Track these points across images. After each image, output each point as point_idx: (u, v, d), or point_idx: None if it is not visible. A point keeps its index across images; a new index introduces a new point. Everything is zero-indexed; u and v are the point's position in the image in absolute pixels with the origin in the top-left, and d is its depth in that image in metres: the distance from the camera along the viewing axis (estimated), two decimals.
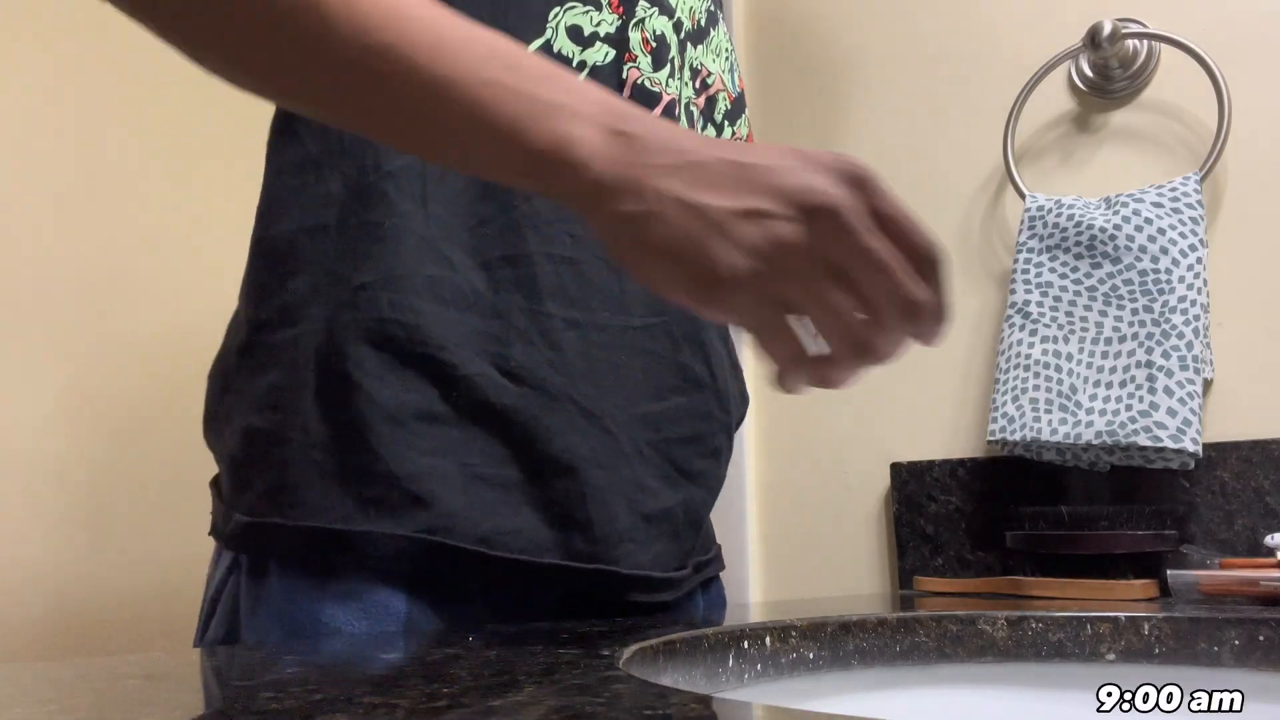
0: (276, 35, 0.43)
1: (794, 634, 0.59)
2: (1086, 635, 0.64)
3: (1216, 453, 0.91)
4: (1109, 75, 1.03)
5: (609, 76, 0.63)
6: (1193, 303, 0.90)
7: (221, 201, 1.20)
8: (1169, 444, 0.87)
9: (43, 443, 1.03)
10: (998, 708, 0.64)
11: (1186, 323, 0.89)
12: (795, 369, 0.47)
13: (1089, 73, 1.05)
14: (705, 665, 0.54)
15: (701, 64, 0.71)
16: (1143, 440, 0.88)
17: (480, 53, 0.44)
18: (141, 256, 1.16)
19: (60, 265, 1.08)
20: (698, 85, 0.71)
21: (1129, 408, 0.90)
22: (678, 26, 0.69)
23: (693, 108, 0.70)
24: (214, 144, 1.24)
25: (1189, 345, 0.89)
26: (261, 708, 0.30)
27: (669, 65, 0.67)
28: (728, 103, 0.75)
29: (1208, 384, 0.94)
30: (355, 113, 0.46)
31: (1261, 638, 0.61)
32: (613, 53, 0.63)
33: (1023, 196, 1.03)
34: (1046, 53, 1.05)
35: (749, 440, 1.24)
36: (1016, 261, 1.01)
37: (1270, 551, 0.78)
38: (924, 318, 0.44)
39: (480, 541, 0.57)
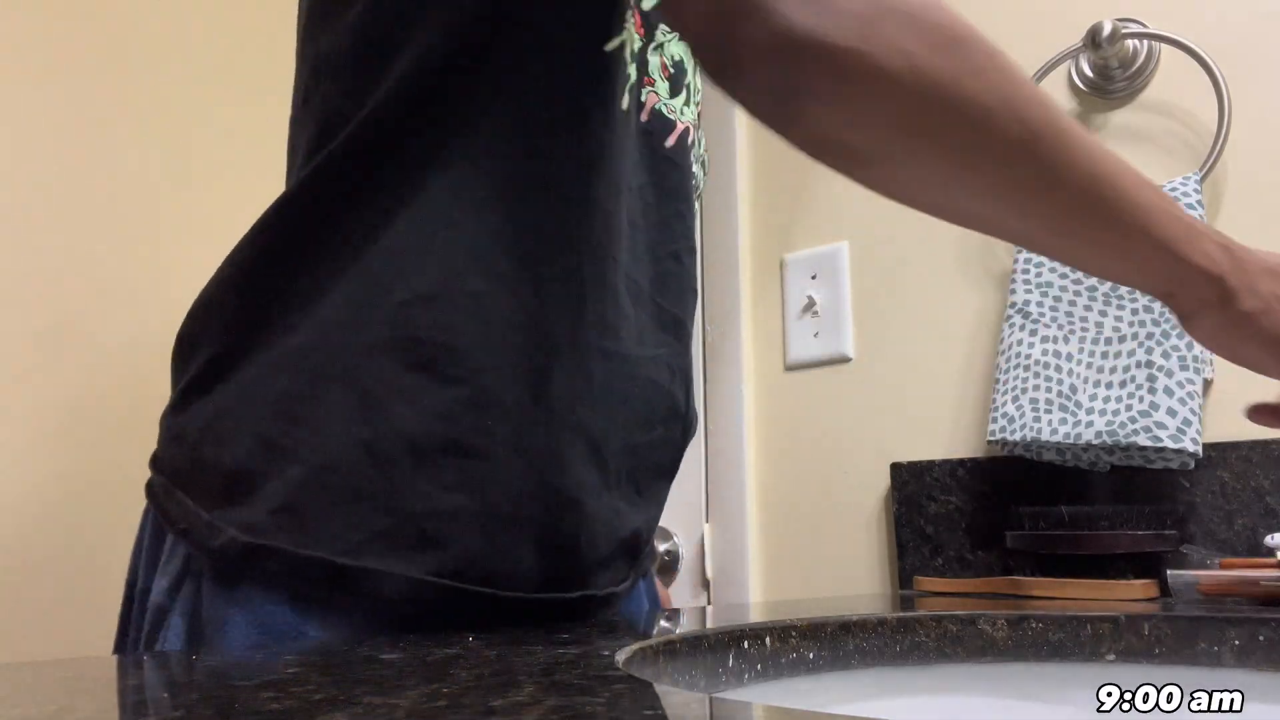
0: (1024, 167, 0.49)
1: (794, 634, 0.59)
2: (1086, 635, 0.64)
3: (1216, 453, 0.91)
4: (1109, 75, 1.03)
5: (634, 100, 0.63)
6: None
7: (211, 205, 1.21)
8: (1169, 444, 0.87)
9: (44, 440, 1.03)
10: (998, 708, 0.64)
11: None
12: None
13: (1089, 73, 1.05)
14: (705, 665, 0.54)
15: (699, 88, 0.72)
16: (1143, 440, 0.88)
17: (1132, 180, 0.52)
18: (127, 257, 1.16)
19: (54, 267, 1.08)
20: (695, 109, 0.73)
21: (1129, 408, 0.90)
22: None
23: (700, 134, 0.72)
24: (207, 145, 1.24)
25: (1189, 345, 0.89)
26: (261, 708, 0.30)
27: (685, 92, 0.67)
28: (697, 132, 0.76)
29: (1208, 384, 0.94)
30: (1056, 234, 0.54)
31: (1261, 638, 0.61)
32: (635, 74, 0.62)
33: None
34: (1046, 53, 1.04)
35: (749, 440, 1.24)
36: (1016, 261, 1.01)
37: (1270, 551, 0.78)
38: None
39: (485, 582, 0.55)
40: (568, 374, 0.57)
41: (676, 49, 0.67)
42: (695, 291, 0.71)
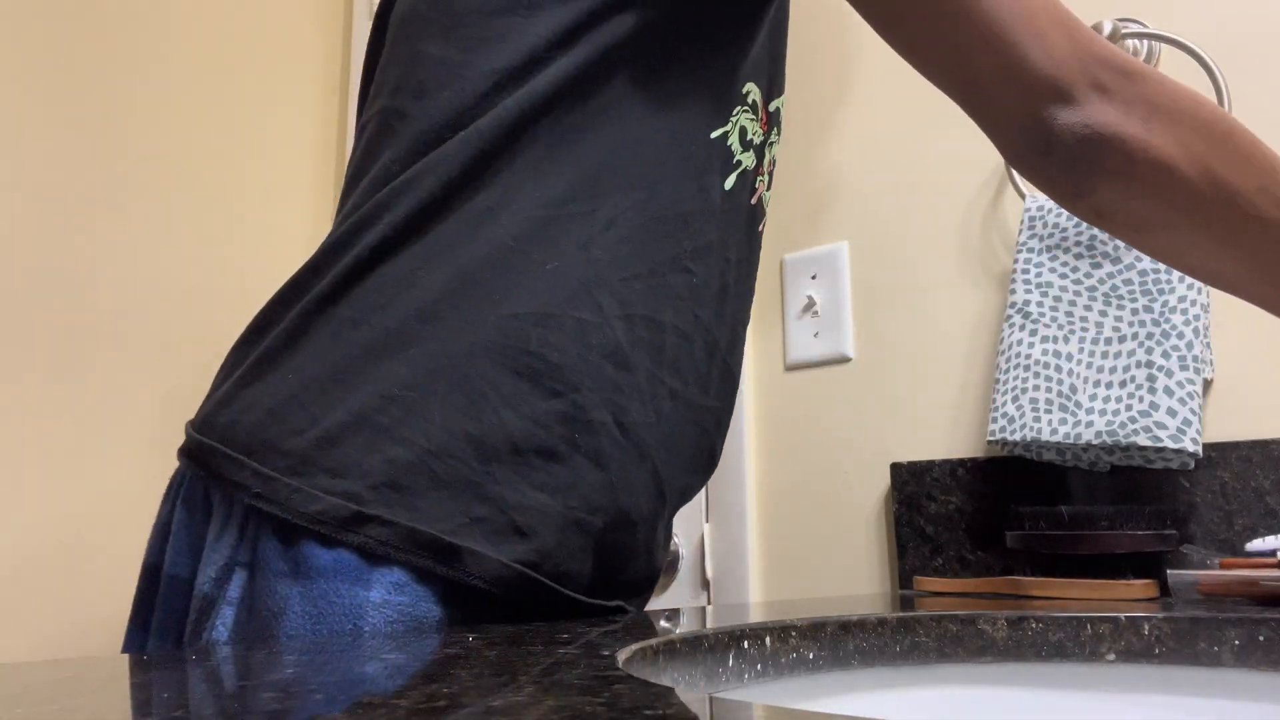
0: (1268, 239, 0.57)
1: (794, 634, 0.59)
2: (1086, 635, 0.64)
3: (1216, 453, 0.91)
4: None
5: (748, 184, 0.71)
6: (1193, 303, 0.90)
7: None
8: (1169, 444, 0.87)
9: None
10: (998, 708, 0.64)
11: (1186, 323, 0.90)
12: None
13: None
14: (705, 665, 0.54)
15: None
16: (1143, 440, 0.88)
17: (1256, 191, 0.56)
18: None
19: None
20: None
21: (1129, 408, 0.90)
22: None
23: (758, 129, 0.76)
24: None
25: (1189, 345, 0.89)
26: (261, 708, 0.30)
27: (768, 185, 0.76)
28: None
29: (1208, 384, 0.94)
30: (1212, 257, 0.60)
31: (1261, 638, 0.61)
32: (754, 162, 0.71)
33: (1023, 196, 1.03)
34: None
35: (749, 440, 1.24)
36: (1016, 261, 1.01)
37: (1269, 555, 0.78)
38: None
39: (555, 578, 0.60)
40: (643, 404, 0.63)
41: (776, 151, 0.76)
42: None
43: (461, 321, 0.59)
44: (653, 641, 0.48)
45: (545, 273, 0.60)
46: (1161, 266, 0.92)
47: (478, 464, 0.57)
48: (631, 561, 0.66)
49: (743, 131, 0.70)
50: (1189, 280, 0.91)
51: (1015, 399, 0.96)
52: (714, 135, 0.67)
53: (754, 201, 0.73)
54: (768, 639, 0.58)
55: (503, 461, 0.58)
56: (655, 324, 0.64)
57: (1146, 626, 0.63)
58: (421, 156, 0.62)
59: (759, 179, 0.73)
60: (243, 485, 0.58)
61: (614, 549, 0.64)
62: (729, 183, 0.69)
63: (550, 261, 0.61)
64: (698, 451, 0.70)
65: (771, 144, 0.75)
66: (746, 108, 0.70)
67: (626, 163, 0.63)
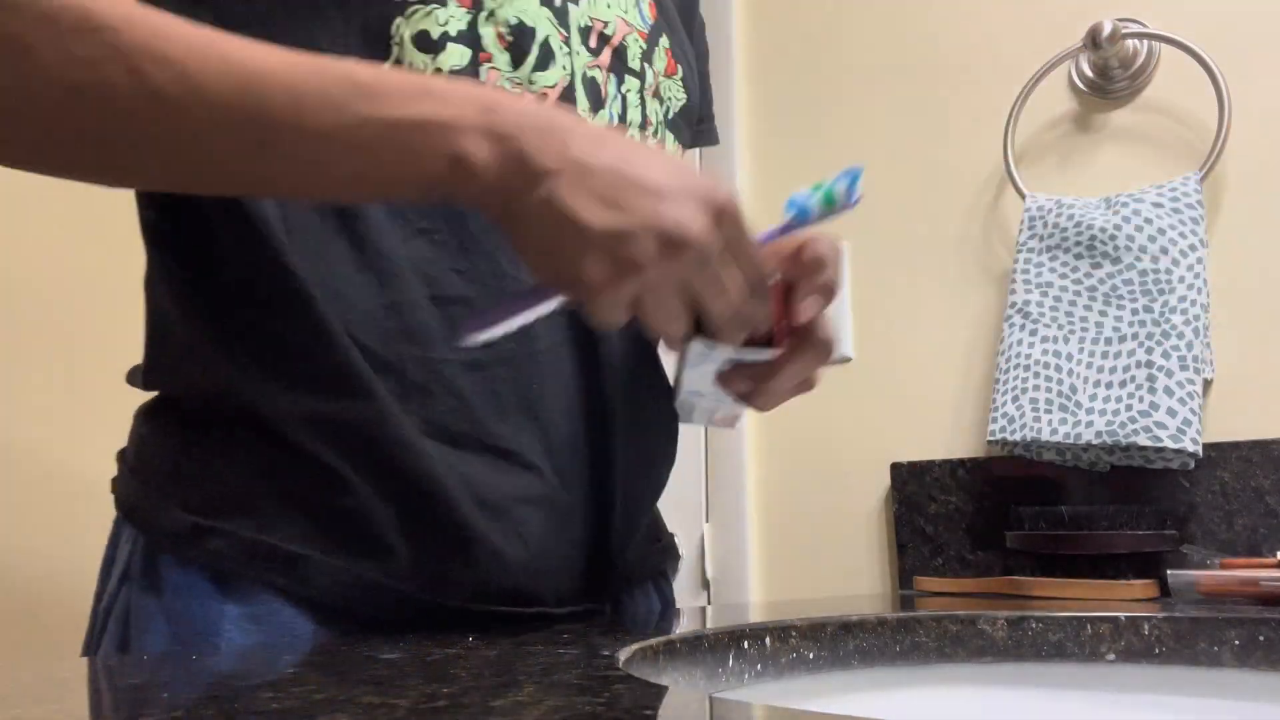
0: (133, 137, 0.44)
1: (794, 634, 0.59)
2: (1086, 635, 0.64)
3: (1216, 453, 0.91)
4: (1109, 75, 1.03)
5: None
6: (1193, 303, 0.90)
7: None
8: (1169, 444, 0.87)
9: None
10: (998, 708, 0.64)
11: (1186, 323, 0.90)
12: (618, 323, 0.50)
13: (1089, 73, 1.05)
14: (705, 665, 0.54)
15: (593, 19, 0.64)
16: (1143, 440, 0.88)
17: (340, 95, 0.45)
18: None
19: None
20: (594, 44, 0.65)
21: (1129, 408, 0.90)
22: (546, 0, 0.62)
23: (594, 73, 0.64)
24: None
25: (1189, 345, 0.89)
26: (261, 708, 0.30)
27: (533, 58, 0.61)
28: (641, 42, 0.69)
29: (1208, 384, 0.94)
30: (241, 184, 0.48)
31: (1261, 638, 0.61)
32: (468, 53, 0.58)
33: (1023, 196, 1.03)
34: (1046, 53, 1.04)
35: (749, 440, 1.24)
36: (1016, 261, 1.01)
37: None
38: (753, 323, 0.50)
39: (427, 588, 0.56)
40: (429, 397, 0.60)
41: (510, 11, 0.60)
42: None
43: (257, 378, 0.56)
44: (653, 641, 0.48)
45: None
46: (1161, 266, 0.92)
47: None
48: (542, 544, 0.59)
49: (421, 38, 0.57)
50: (1189, 280, 0.91)
51: (1015, 399, 0.96)
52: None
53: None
54: (768, 639, 0.58)
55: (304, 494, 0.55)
56: (401, 306, 0.58)
57: (1146, 626, 0.63)
58: None
59: (485, 66, 0.59)
60: (120, 501, 0.59)
61: (503, 543, 0.57)
62: None
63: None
64: (559, 399, 0.62)
65: (492, 14, 0.59)
66: (417, 5, 0.57)
67: None
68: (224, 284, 0.56)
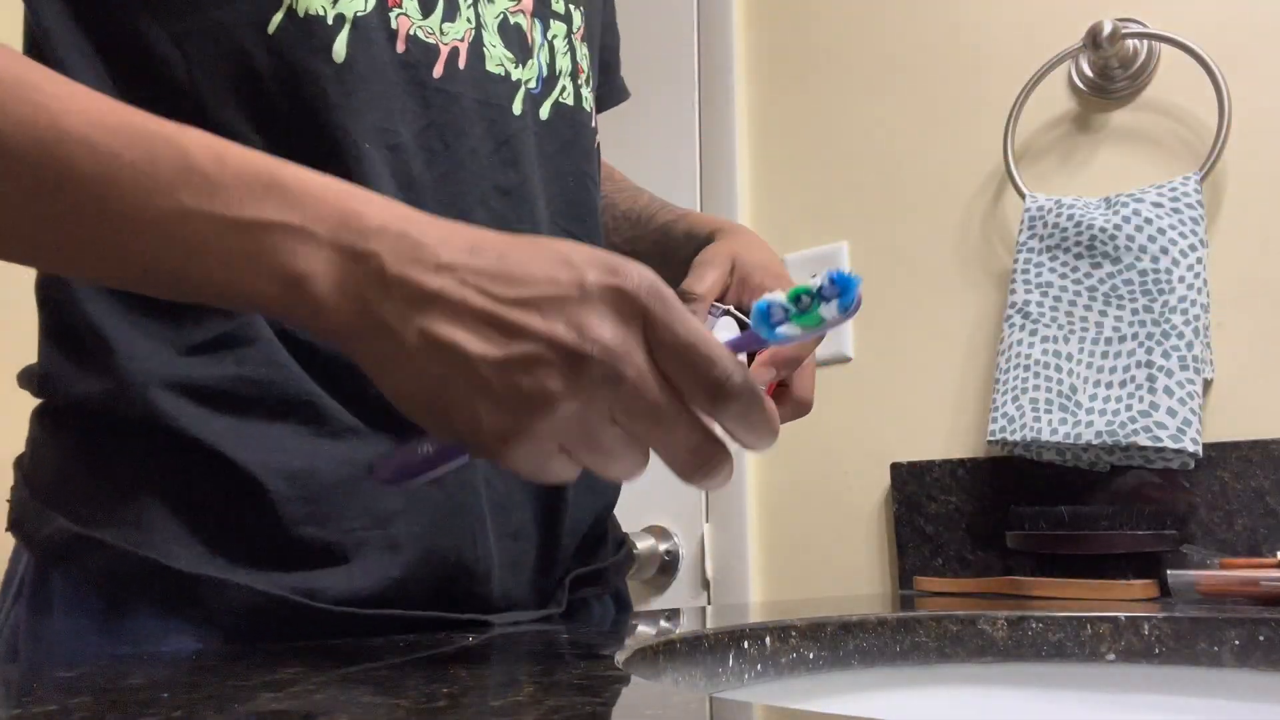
0: None
1: (794, 634, 0.59)
2: (1086, 635, 0.64)
3: (1216, 453, 0.91)
4: (1109, 75, 1.03)
5: (377, 29, 0.53)
6: (1193, 303, 0.90)
7: None
8: (1169, 444, 0.87)
9: None
10: (998, 708, 0.64)
11: (1186, 323, 0.89)
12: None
13: (1089, 73, 1.05)
14: (705, 665, 0.54)
15: None
16: (1143, 440, 0.88)
17: (166, 176, 0.37)
18: None
19: None
20: None
21: (1129, 408, 0.90)
22: None
23: (517, 19, 0.60)
24: None
25: (1189, 345, 0.89)
26: (261, 708, 0.30)
27: (442, 4, 0.56)
28: None
29: (1208, 384, 0.94)
30: (43, 260, 0.42)
31: (1261, 638, 0.61)
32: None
33: (1023, 196, 1.03)
34: (1046, 53, 1.04)
35: None
36: (1016, 261, 1.01)
37: None
38: (709, 461, 0.39)
39: (311, 594, 0.51)
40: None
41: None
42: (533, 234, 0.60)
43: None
44: (653, 641, 0.48)
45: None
46: (1161, 266, 0.92)
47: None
48: (486, 539, 0.55)
49: None
50: (1189, 280, 0.91)
51: (1015, 399, 0.96)
52: (275, 21, 0.51)
53: (402, 48, 0.54)
54: (768, 639, 0.58)
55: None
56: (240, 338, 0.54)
57: (1146, 626, 0.63)
58: None
59: (395, 12, 0.54)
60: (9, 511, 0.54)
61: (452, 540, 0.54)
62: (344, 46, 0.52)
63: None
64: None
65: None
66: None
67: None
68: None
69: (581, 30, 0.65)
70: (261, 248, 0.37)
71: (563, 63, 0.63)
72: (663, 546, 1.26)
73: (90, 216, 0.37)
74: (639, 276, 0.37)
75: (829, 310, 0.40)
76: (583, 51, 0.65)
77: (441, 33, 0.56)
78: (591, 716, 0.28)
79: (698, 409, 0.38)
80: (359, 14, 0.52)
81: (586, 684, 0.34)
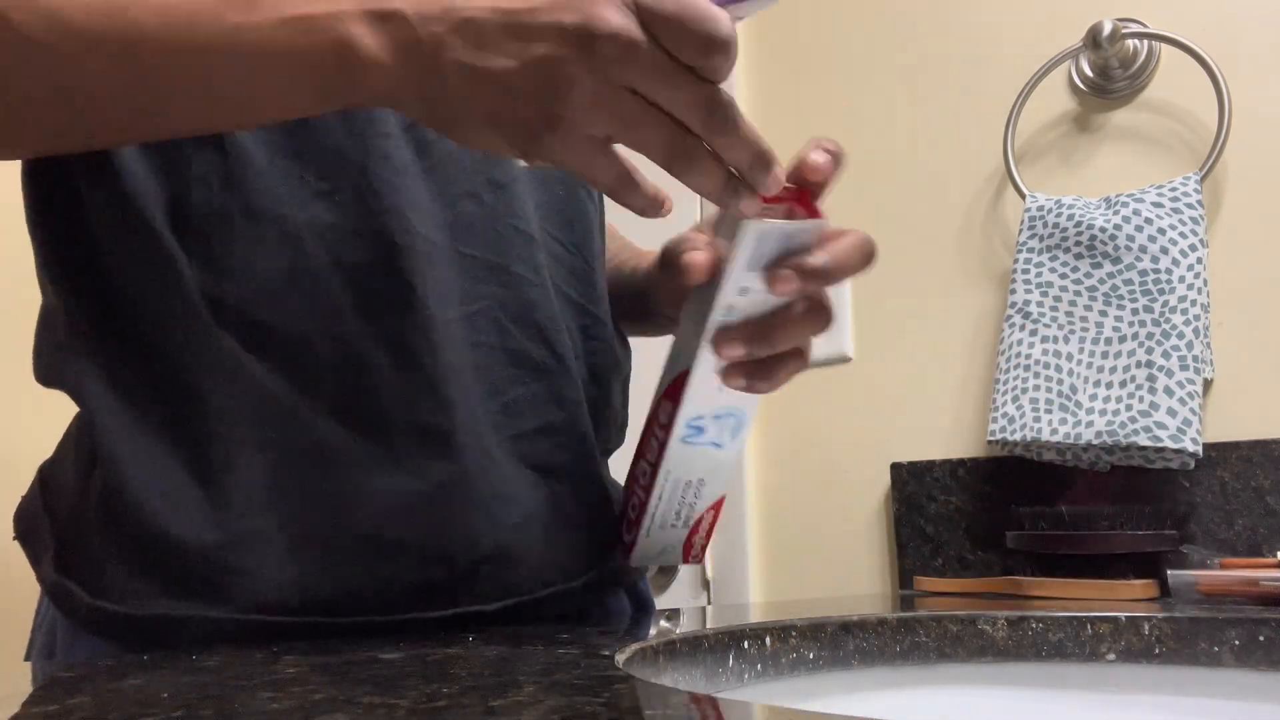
0: (18, 92, 0.43)
1: (794, 634, 0.59)
2: (1086, 635, 0.64)
3: (1216, 453, 0.91)
4: (1109, 75, 1.03)
5: None
6: (1193, 303, 0.90)
7: None
8: (1169, 444, 0.87)
9: None
10: (998, 708, 0.64)
11: (1186, 323, 0.89)
12: (628, 188, 0.46)
13: (1089, 73, 1.05)
14: (705, 665, 0.54)
15: None
16: (1143, 440, 0.88)
17: (211, 5, 0.42)
18: None
19: None
20: None
21: (1129, 408, 0.90)
22: None
23: None
24: None
25: (1189, 345, 0.89)
26: (261, 708, 0.30)
27: None
28: None
29: (1208, 384, 0.94)
30: (138, 125, 0.46)
31: (1261, 638, 0.61)
32: None
33: (1023, 196, 1.03)
34: (1046, 53, 1.04)
35: (749, 440, 1.24)
36: (1016, 261, 1.01)
37: None
38: (715, 108, 0.43)
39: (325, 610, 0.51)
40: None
41: None
42: (518, 230, 0.59)
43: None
44: (653, 641, 0.48)
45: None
46: (1161, 266, 0.92)
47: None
48: (466, 530, 0.54)
49: None
50: (1189, 280, 0.91)
51: (1015, 399, 0.96)
52: None
53: None
54: (768, 639, 0.58)
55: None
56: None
57: (1146, 626, 0.63)
58: None
59: None
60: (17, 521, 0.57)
61: (419, 535, 0.53)
62: None
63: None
64: (482, 370, 0.57)
65: None
66: None
67: None
68: (102, 267, 0.52)
69: None
70: (308, 33, 0.42)
71: None
72: None
73: (166, 64, 0.43)
74: None
75: None
76: None
77: None
78: (591, 716, 0.28)
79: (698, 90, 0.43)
80: None
81: (586, 684, 0.34)
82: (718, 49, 0.41)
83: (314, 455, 0.51)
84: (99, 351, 0.52)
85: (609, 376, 0.65)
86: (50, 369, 0.54)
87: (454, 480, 0.53)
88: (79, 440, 0.52)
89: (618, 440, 0.68)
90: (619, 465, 0.63)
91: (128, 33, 0.42)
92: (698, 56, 0.41)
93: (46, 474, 0.56)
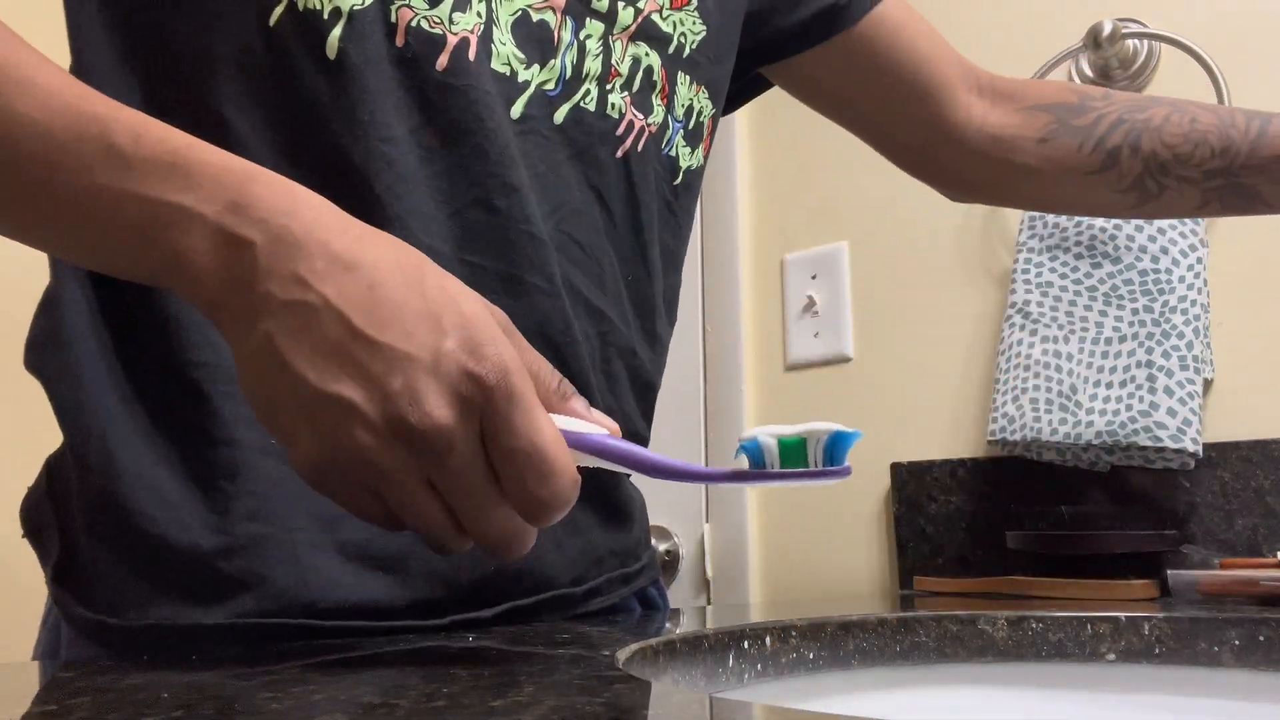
0: None
1: (794, 634, 0.59)
2: (1086, 635, 0.64)
3: (1216, 453, 0.91)
4: (1109, 75, 1.03)
5: (374, 23, 0.52)
6: (1193, 303, 0.90)
7: None
8: (1169, 444, 0.87)
9: None
10: (998, 708, 0.64)
11: (1186, 323, 0.89)
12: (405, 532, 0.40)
13: (1089, 73, 1.05)
14: (705, 665, 0.54)
15: None
16: (1143, 440, 0.88)
17: (90, 155, 0.40)
18: None
19: None
20: None
21: (1129, 408, 0.90)
22: None
23: (544, 15, 0.57)
24: None
25: (1189, 345, 0.89)
26: (261, 708, 0.30)
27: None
28: None
29: (1208, 384, 0.94)
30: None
31: (1261, 638, 0.61)
32: None
33: None
34: (1046, 53, 1.04)
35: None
36: (1017, 261, 1.01)
37: None
38: (514, 547, 0.39)
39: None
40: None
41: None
42: (532, 236, 0.56)
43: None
44: (653, 641, 0.48)
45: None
46: (1161, 266, 0.92)
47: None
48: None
49: None
50: (1189, 280, 0.91)
51: (1015, 399, 0.96)
52: (276, 14, 0.51)
53: (401, 41, 0.53)
54: (768, 639, 0.58)
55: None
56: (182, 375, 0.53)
57: (1146, 626, 0.63)
58: None
59: (397, 5, 0.52)
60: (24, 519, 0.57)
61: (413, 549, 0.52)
62: (338, 37, 0.51)
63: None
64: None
65: None
66: None
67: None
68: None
69: (633, 30, 0.61)
70: (156, 223, 0.39)
71: (591, 65, 0.59)
72: (663, 546, 1.26)
73: (35, 194, 0.41)
74: (498, 365, 0.36)
75: (813, 464, 0.38)
76: (632, 51, 0.61)
77: (451, 22, 0.53)
78: (592, 716, 0.28)
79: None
80: (356, 8, 0.51)
81: (586, 684, 0.34)
82: (555, 508, 0.37)
83: None
84: (97, 348, 0.52)
85: (627, 384, 0.64)
86: (44, 360, 0.53)
87: None
88: (73, 440, 0.52)
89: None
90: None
91: (8, 153, 0.41)
92: (531, 506, 0.37)
93: (54, 465, 0.55)
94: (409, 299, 0.37)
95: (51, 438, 0.55)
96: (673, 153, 0.66)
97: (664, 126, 0.64)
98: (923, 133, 0.79)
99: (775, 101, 1.28)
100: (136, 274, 0.42)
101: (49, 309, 0.54)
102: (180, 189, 0.39)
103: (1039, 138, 0.76)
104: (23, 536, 0.55)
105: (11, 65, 0.41)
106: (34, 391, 0.53)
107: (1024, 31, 1.09)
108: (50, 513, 0.54)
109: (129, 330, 0.52)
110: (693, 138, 0.67)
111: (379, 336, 0.36)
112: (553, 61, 0.57)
